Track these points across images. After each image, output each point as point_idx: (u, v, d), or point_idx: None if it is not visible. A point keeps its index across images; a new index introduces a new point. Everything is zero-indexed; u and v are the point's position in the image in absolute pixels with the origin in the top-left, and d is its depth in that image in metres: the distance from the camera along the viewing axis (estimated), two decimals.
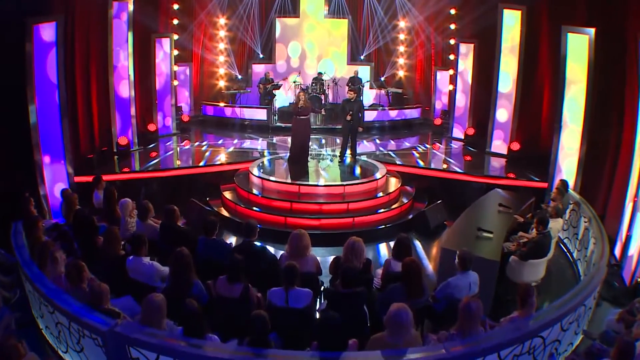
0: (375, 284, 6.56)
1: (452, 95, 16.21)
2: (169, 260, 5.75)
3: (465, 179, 11.48)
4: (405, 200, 10.55)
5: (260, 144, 14.18)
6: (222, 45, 17.63)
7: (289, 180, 10.23)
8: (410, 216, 10.21)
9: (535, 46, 12.32)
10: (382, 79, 18.37)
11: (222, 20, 17.48)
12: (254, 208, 9.78)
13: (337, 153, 12.06)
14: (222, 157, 12.45)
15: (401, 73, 18.51)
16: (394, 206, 10.24)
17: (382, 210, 10.04)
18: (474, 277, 6.13)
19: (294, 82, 17.10)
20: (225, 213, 10.12)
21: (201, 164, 11.88)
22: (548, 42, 11.98)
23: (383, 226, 9.73)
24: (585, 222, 8.09)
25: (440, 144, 14.60)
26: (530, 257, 7.23)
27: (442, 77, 17.19)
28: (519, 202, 9.48)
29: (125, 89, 12.61)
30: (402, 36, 18.33)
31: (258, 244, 6.75)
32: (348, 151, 11.66)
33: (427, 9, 17.00)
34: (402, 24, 18.10)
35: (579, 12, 10.60)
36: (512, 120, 12.94)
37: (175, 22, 15.83)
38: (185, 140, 14.41)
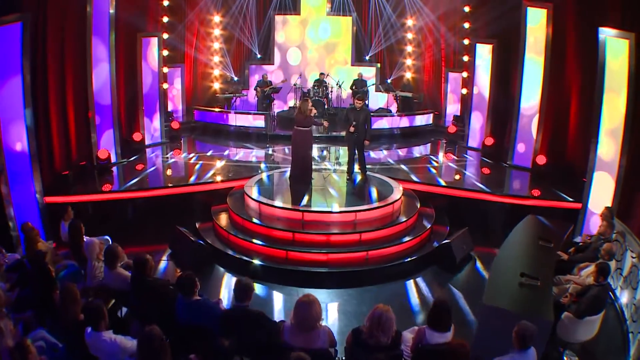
0: (405, 357, 5.01)
1: (465, 99, 14.83)
2: (137, 340, 4.22)
3: (491, 199, 10.05)
4: (426, 225, 9.04)
5: (257, 155, 12.67)
6: (216, 45, 16.21)
7: (291, 206, 8.61)
8: (435, 244, 8.72)
9: (562, 48, 10.92)
10: (389, 81, 16.83)
11: (216, 18, 16.01)
12: (252, 240, 8.18)
13: (343, 167, 10.63)
14: (214, 172, 10.95)
15: (408, 75, 17.00)
16: (407, 237, 8.67)
17: (405, 239, 8.58)
18: (532, 355, 4.72)
19: (294, 84, 15.55)
20: (217, 244, 8.54)
21: (191, 180, 10.37)
22: (576, 44, 10.60)
23: (402, 261, 8.17)
24: (633, 257, 7.04)
25: (455, 154, 13.12)
26: (588, 314, 6.02)
27: (454, 80, 15.74)
28: (557, 230, 8.14)
29: (106, 94, 11.11)
30: (409, 35, 16.81)
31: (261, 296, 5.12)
32: (356, 166, 10.11)
33: (439, 7, 15.48)
34: (409, 22, 16.58)
35: (612, 12, 9.22)
36: (537, 131, 11.48)
37: (165, 19, 14.37)
38: (174, 150, 12.97)
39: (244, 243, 8.25)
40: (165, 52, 13.84)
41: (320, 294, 7.30)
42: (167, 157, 12.23)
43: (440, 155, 13.21)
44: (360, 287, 7.62)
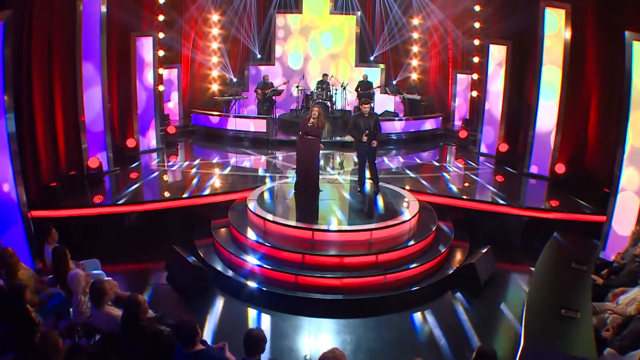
0: None
1: (475, 102, 14.19)
2: None
3: (511, 212, 9.25)
4: (446, 243, 8.25)
5: (258, 163, 11.86)
6: (214, 45, 15.49)
7: (300, 223, 7.76)
8: (457, 263, 7.94)
9: (582, 50, 10.22)
10: (394, 82, 16.05)
11: (215, 17, 15.27)
12: (257, 263, 7.34)
13: (347, 176, 9.97)
14: (213, 182, 10.14)
15: (414, 76, 16.23)
16: (428, 257, 7.87)
17: (426, 259, 7.74)
18: None
19: (297, 86, 14.80)
20: (217, 264, 7.70)
21: (188, 191, 9.52)
22: (597, 47, 9.93)
23: (423, 285, 7.37)
24: None
25: (467, 161, 12.34)
26: (632, 349, 5.40)
27: (462, 82, 15.08)
28: (587, 249, 7.71)
29: (97, 98, 10.23)
30: (415, 35, 16.04)
31: None
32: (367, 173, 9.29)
33: (447, 5, 14.72)
34: (415, 21, 15.80)
35: (631, 12, 8.62)
36: (555, 138, 10.73)
37: (161, 18, 13.54)
38: (171, 155, 12.20)
39: (247, 265, 7.41)
40: (160, 52, 13.07)
41: (335, 326, 6.53)
42: (163, 165, 11.41)
43: (452, 162, 12.48)
44: (379, 315, 6.79)
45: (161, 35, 13.23)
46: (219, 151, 12.61)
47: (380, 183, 9.40)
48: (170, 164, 11.58)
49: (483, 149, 12.94)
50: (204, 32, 15.22)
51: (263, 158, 12.10)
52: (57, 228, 6.63)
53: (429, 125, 14.54)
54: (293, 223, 7.73)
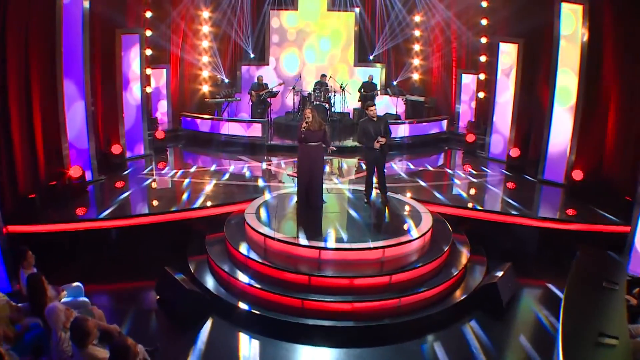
0: None
1: (482, 104, 13.80)
2: None
3: (528, 224, 8.74)
4: (463, 259, 7.74)
5: (254, 170, 11.30)
6: (205, 43, 14.98)
7: (305, 241, 7.16)
8: (476, 282, 7.39)
9: (599, 52, 9.71)
10: (395, 83, 15.57)
11: (205, 14, 14.77)
12: (258, 286, 6.74)
13: (346, 183, 9.57)
14: (207, 193, 9.55)
15: (416, 76, 15.78)
16: (446, 277, 7.31)
17: (444, 278, 7.19)
18: None
19: (293, 87, 14.33)
20: (213, 286, 7.12)
21: (180, 204, 8.91)
22: (615, 46, 9.43)
23: (441, 309, 6.80)
24: None
25: (476, 167, 11.86)
26: None
27: (468, 82, 14.66)
28: (616, 265, 7.13)
29: (79, 101, 9.63)
30: (417, 33, 15.58)
31: None
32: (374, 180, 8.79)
33: (452, 1, 14.16)
34: (417, 18, 15.35)
35: None
36: (571, 143, 10.23)
37: (148, 14, 12.96)
38: (160, 162, 11.64)
39: (248, 288, 6.80)
40: (148, 51, 12.55)
41: (345, 356, 5.97)
42: (152, 174, 10.84)
43: (461, 168, 11.97)
44: (395, 343, 6.23)
45: (148, 32, 12.70)
46: (212, 157, 12.08)
47: (387, 193, 8.87)
48: (159, 171, 11.05)
49: (492, 154, 12.50)
50: (193, 29, 14.69)
51: (259, 165, 11.57)
52: (36, 244, 6.21)
53: (433, 128, 14.00)
54: (298, 241, 7.12)
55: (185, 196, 9.28)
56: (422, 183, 10.45)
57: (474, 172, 11.47)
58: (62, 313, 4.71)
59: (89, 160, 9.89)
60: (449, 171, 11.71)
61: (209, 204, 8.90)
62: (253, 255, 7.14)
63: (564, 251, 7.94)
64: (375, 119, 8.30)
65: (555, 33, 10.05)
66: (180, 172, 10.80)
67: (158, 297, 7.04)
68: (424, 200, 9.09)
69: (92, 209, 8.71)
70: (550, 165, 10.58)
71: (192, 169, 11.11)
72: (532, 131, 11.67)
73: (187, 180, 10.21)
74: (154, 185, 10.16)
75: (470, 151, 13.00)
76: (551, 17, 10.12)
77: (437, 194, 9.65)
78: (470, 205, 9.23)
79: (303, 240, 7.17)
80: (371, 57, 15.94)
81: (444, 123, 14.32)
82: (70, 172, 9.19)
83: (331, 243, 7.13)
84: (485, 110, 13.49)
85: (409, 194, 9.45)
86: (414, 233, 7.52)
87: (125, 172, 10.70)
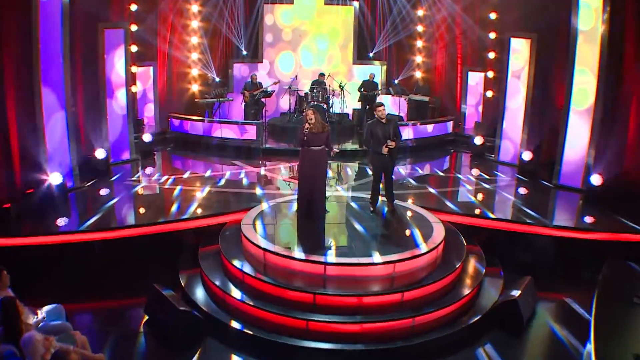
0: None
1: (489, 103, 13.69)
2: None
3: (546, 233, 8.48)
4: (480, 272, 7.46)
5: (249, 176, 11.02)
6: (195, 39, 14.75)
7: (309, 256, 6.82)
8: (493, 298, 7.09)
9: (620, 48, 9.54)
10: (396, 81, 15.38)
11: (194, 7, 14.57)
12: (257, 305, 6.40)
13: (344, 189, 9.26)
14: (199, 201, 9.26)
15: (418, 74, 15.64)
16: (462, 292, 7.02)
17: (460, 294, 6.88)
18: None
19: (289, 87, 14.13)
20: (208, 305, 6.77)
21: (170, 214, 8.59)
22: (636, 43, 9.32)
23: (457, 329, 6.50)
24: None
25: (486, 171, 11.62)
26: None
27: (474, 81, 14.57)
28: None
29: (60, 100, 9.32)
30: (420, 28, 15.41)
31: None
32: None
33: None
34: (420, 12, 15.17)
35: None
36: (589, 146, 10.02)
37: (134, 7, 12.69)
38: (147, 168, 11.42)
39: (246, 307, 6.47)
40: (133, 48, 12.26)
41: None
42: (139, 180, 10.57)
43: (469, 173, 11.72)
44: None
45: (134, 27, 12.40)
46: (203, 162, 11.85)
47: (394, 201, 8.61)
48: (147, 178, 10.79)
49: (503, 157, 12.29)
50: (182, 24, 14.42)
51: (255, 170, 11.28)
52: (10, 259, 5.95)
53: (438, 130, 13.78)
54: (301, 255, 6.79)
55: (175, 205, 8.98)
56: (431, 189, 10.21)
57: (487, 176, 11.25)
58: (40, 344, 4.36)
59: (69, 166, 9.57)
60: (458, 176, 11.50)
61: (199, 211, 8.63)
62: (251, 271, 6.80)
63: (584, 262, 7.94)
64: (384, 120, 8.01)
65: (572, 29, 9.82)
66: (170, 179, 10.51)
67: (147, 317, 6.68)
68: (434, 209, 8.81)
69: (74, 220, 8.38)
70: (567, 169, 10.37)
71: (182, 175, 10.84)
72: (545, 133, 11.48)
73: (177, 188, 9.92)
74: (141, 192, 9.86)
75: (478, 154, 12.81)
76: (567, 11, 9.89)
77: (446, 201, 9.41)
78: (484, 214, 8.97)
79: (306, 255, 6.83)
80: (371, 54, 15.75)
81: (450, 124, 14.06)
82: (50, 179, 8.85)
83: (337, 257, 6.81)
84: (493, 110, 13.29)
85: (410, 200, 9.26)
86: (426, 245, 7.20)
87: (110, 179, 10.41)
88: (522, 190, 10.40)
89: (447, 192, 10.13)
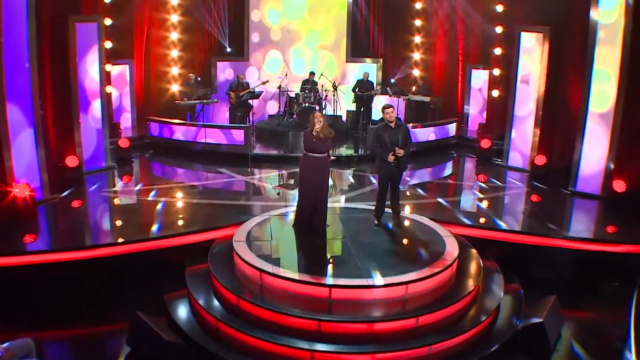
0: None
1: (495, 103, 13.60)
2: None
3: (566, 246, 8.24)
4: (498, 292, 7.14)
5: (238, 186, 10.81)
6: (174, 35, 14.49)
7: (313, 277, 6.46)
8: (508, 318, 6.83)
9: None
10: (393, 80, 15.29)
11: (173, 0, 14.05)
12: (255, 334, 6.01)
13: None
14: (183, 214, 9.05)
15: (416, 72, 15.55)
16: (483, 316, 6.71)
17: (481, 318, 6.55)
18: None
19: (279, 87, 13.91)
20: (198, 335, 6.37)
21: (153, 230, 8.18)
22: None
23: (481, 355, 6.17)
24: None
25: (495, 179, 11.43)
26: None
27: (478, 79, 14.45)
28: None
29: (26, 103, 8.96)
30: (418, 22, 15.30)
31: None
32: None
33: None
34: (418, 5, 15.13)
35: None
36: (610, 150, 9.90)
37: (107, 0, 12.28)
38: (125, 177, 11.16)
39: (242, 336, 6.08)
40: (107, 44, 11.93)
41: None
42: (115, 191, 10.26)
43: (477, 179, 11.53)
44: None
45: (108, 21, 12.07)
46: (186, 170, 11.61)
47: (400, 213, 8.39)
48: (124, 188, 10.52)
49: (512, 161, 12.11)
50: (160, 19, 14.19)
51: (243, 179, 11.03)
52: None
53: (440, 133, 13.58)
54: (304, 277, 6.44)
55: (157, 219, 8.65)
56: (437, 199, 9.99)
57: (497, 183, 11.11)
58: None
59: (38, 175, 9.22)
60: (465, 183, 11.40)
61: (184, 226, 8.28)
62: (246, 295, 6.41)
63: (609, 277, 7.85)
64: (392, 124, 7.70)
65: (591, 22, 9.60)
66: (150, 189, 10.18)
67: (130, 349, 6.26)
68: (443, 220, 8.55)
69: (43, 237, 8.06)
70: (585, 175, 10.21)
71: (164, 185, 10.53)
72: (559, 135, 11.38)
73: (158, 199, 9.59)
74: (118, 205, 9.54)
75: (484, 158, 12.65)
76: (586, 2, 9.68)
77: (455, 212, 9.25)
78: (496, 225, 8.75)
79: (309, 276, 6.48)
80: (366, 52, 15.59)
81: (453, 127, 13.89)
82: (14, 191, 8.45)
83: (344, 278, 6.45)
84: (500, 111, 13.18)
85: (408, 209, 9.02)
86: (440, 263, 6.90)
87: (84, 190, 10.10)
88: (537, 198, 10.24)
89: (454, 201, 9.96)
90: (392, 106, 7.88)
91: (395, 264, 6.95)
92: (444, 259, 7.01)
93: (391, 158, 7.64)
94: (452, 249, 7.32)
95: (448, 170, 12.53)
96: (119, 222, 8.78)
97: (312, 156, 7.56)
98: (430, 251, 7.32)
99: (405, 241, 7.84)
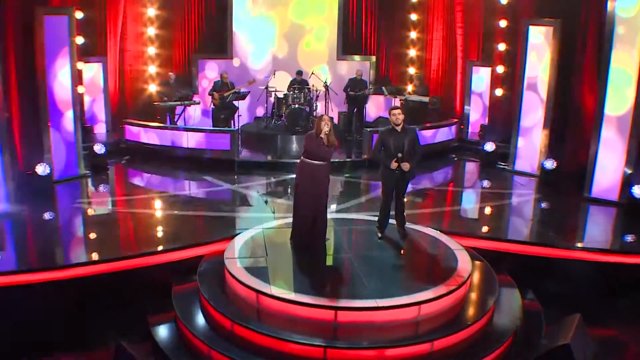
0: None
1: (499, 103, 13.43)
2: None
3: (587, 258, 8.05)
4: (515, 314, 6.95)
5: (225, 196, 10.53)
6: (151, 31, 14.23)
7: (317, 298, 6.18)
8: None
9: None
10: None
11: None
12: None
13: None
14: (167, 228, 8.75)
15: (412, 70, 15.57)
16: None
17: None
18: None
19: (266, 87, 13.85)
20: None
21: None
22: None
23: None
24: None
25: (501, 185, 11.39)
26: None
27: (478, 77, 14.36)
28: None
29: None
30: (414, 17, 15.37)
31: None
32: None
33: None
34: None
35: None
36: (628, 154, 9.78)
37: None
38: (100, 186, 11.00)
39: None
40: (79, 40, 11.58)
41: None
42: (90, 202, 9.94)
43: (483, 185, 11.49)
44: None
45: (79, 14, 11.76)
46: (168, 178, 11.41)
47: (406, 224, 8.17)
48: (100, 199, 10.31)
49: (519, 166, 11.99)
50: (136, 12, 13.98)
51: (230, 188, 10.78)
52: None
53: (441, 135, 13.46)
54: (306, 298, 6.16)
55: (137, 233, 8.42)
56: (441, 208, 9.87)
57: (505, 189, 11.04)
58: None
59: (2, 184, 9.09)
60: (471, 190, 11.38)
61: (168, 241, 7.92)
62: (242, 319, 6.11)
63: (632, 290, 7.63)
64: (399, 128, 7.48)
65: (608, 15, 9.42)
66: (129, 200, 9.93)
67: None
68: (448, 232, 8.35)
69: (9, 256, 7.65)
70: (600, 180, 10.10)
71: (144, 195, 10.28)
72: (570, 138, 11.32)
73: (138, 211, 9.35)
74: (94, 217, 9.23)
75: (488, 163, 12.50)
76: None
77: (461, 222, 9.24)
78: (508, 235, 8.66)
79: (312, 297, 6.21)
80: (358, 48, 15.49)
81: (453, 129, 13.84)
82: None
83: (350, 299, 6.20)
84: (503, 111, 13.11)
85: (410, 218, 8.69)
86: (454, 279, 6.68)
87: (54, 201, 9.86)
88: (549, 206, 10.17)
89: (458, 210, 9.88)
90: (399, 108, 7.68)
91: (405, 282, 6.74)
92: (457, 275, 6.80)
93: (394, 165, 7.41)
94: (465, 264, 7.12)
95: (450, 175, 12.43)
96: (95, 238, 8.43)
97: (312, 163, 7.30)
98: (442, 266, 7.11)
99: (413, 256, 7.63)
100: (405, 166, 7.43)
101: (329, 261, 7.35)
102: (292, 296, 6.21)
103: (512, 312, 6.92)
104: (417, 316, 6.20)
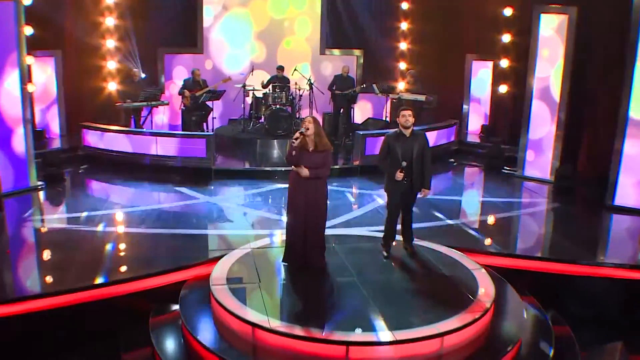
0: None
1: (503, 102, 13.62)
2: None
3: (623, 276, 7.88)
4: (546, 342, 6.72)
5: (200, 209, 10.21)
6: (110, 21, 14.00)
7: (324, 333, 5.84)
8: None
9: None
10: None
11: None
12: None
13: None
14: (138, 247, 8.43)
15: (402, 66, 15.71)
16: None
17: None
18: None
19: (243, 86, 13.69)
20: None
21: (100, 273, 7.33)
22: None
23: None
24: None
25: (511, 192, 11.49)
26: None
27: (481, 72, 14.57)
28: None
29: None
30: (405, 5, 15.50)
31: None
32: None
33: None
34: None
35: None
36: None
37: None
38: (56, 199, 10.65)
39: None
40: (29, 30, 11.06)
41: None
42: (43, 220, 9.58)
43: (490, 192, 11.45)
44: None
45: (27, 1, 11.23)
46: (134, 189, 11.08)
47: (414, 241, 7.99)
48: (56, 215, 9.86)
49: (529, 171, 11.99)
50: (93, 1, 13.77)
51: (207, 200, 10.53)
52: None
53: (439, 137, 13.43)
54: (313, 332, 5.81)
55: (103, 256, 7.92)
56: (448, 221, 9.60)
57: (516, 198, 11.13)
58: None
59: None
60: (477, 199, 11.41)
61: (140, 266, 7.50)
62: (234, 357, 5.75)
63: None
64: (407, 132, 7.19)
65: (635, 4, 9.31)
66: (91, 217, 9.49)
67: None
68: (463, 248, 8.18)
69: None
70: (624, 187, 10.09)
71: (108, 210, 9.89)
72: (585, 141, 11.43)
73: (102, 230, 8.94)
74: (49, 238, 8.84)
75: (492, 167, 12.58)
76: None
77: (471, 236, 8.96)
78: (526, 251, 8.56)
79: (319, 331, 5.87)
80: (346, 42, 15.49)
81: (453, 130, 13.88)
82: None
83: (362, 332, 5.88)
84: (508, 110, 13.24)
85: (436, 238, 8.48)
86: (478, 305, 6.41)
87: (2, 218, 9.42)
88: (568, 216, 10.17)
89: (466, 222, 9.62)
90: (409, 109, 7.37)
91: (424, 310, 6.42)
92: (480, 300, 6.53)
93: (399, 176, 7.14)
94: (487, 286, 6.89)
95: (451, 182, 12.37)
96: (52, 263, 8.02)
97: (307, 178, 7.00)
98: (462, 290, 6.84)
99: (427, 278, 7.32)
100: (425, 193, 7.33)
101: (331, 286, 7.04)
102: (296, 330, 5.87)
103: (543, 338, 6.72)
104: (439, 349, 5.89)
